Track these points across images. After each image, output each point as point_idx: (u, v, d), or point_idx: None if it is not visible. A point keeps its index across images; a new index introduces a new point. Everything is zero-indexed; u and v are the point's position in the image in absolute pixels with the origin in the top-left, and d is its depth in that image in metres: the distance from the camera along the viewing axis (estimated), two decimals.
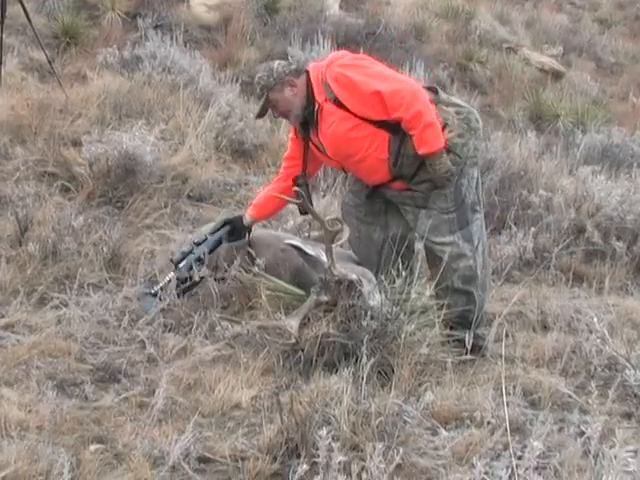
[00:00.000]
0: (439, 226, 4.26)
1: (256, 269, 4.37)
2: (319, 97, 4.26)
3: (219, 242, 4.57)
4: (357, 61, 4.32)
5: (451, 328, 4.21)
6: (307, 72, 4.35)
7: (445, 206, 4.25)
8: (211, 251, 4.53)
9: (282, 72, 4.35)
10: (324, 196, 5.92)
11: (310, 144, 4.45)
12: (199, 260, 4.49)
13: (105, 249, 4.86)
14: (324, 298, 4.04)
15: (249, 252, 4.55)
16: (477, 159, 4.35)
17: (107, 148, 5.74)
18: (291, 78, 4.34)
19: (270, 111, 4.47)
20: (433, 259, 4.31)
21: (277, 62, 4.46)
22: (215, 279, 4.45)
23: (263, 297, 4.24)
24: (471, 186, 4.28)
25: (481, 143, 4.47)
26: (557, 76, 11.03)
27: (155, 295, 4.40)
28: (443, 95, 4.31)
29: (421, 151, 4.13)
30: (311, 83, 4.30)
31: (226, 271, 4.49)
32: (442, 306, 4.14)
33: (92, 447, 3.24)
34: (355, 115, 4.20)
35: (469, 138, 4.24)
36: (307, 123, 4.38)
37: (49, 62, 7.21)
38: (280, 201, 4.57)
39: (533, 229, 5.73)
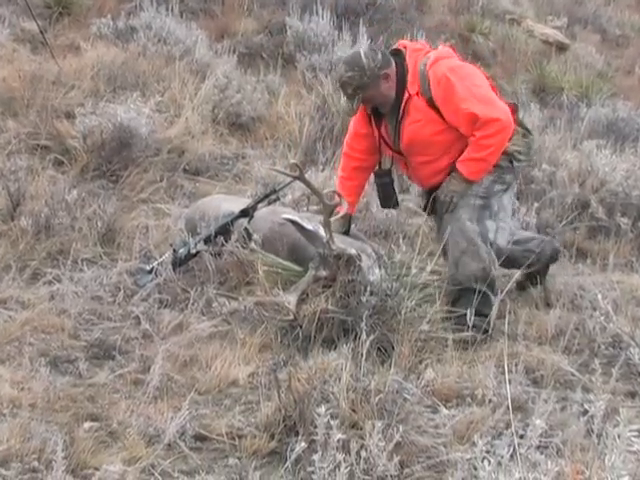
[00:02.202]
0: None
1: (253, 244, 4.36)
2: (412, 88, 4.23)
3: (227, 225, 4.55)
4: (465, 70, 4.29)
5: (453, 304, 4.21)
6: (396, 54, 4.32)
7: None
8: (218, 234, 4.51)
9: (374, 68, 4.22)
10: (323, 170, 5.88)
11: (382, 128, 4.41)
12: (207, 241, 4.48)
13: (99, 224, 4.85)
14: (322, 273, 4.03)
15: (246, 227, 4.54)
16: (515, 184, 4.47)
17: (101, 120, 5.71)
18: (384, 71, 4.25)
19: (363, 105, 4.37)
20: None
21: (363, 55, 4.25)
22: (211, 254, 4.43)
23: (260, 273, 4.23)
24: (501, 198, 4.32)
25: (525, 172, 4.69)
26: (561, 48, 10.95)
27: (151, 272, 4.38)
28: (519, 115, 4.45)
29: (459, 167, 4.22)
30: (404, 69, 4.26)
31: (222, 246, 4.47)
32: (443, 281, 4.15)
33: (86, 425, 3.24)
34: (444, 120, 4.22)
35: (523, 161, 4.37)
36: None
37: (41, 33, 7.16)
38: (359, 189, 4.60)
39: (536, 204, 5.69)
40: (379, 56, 4.26)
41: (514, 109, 4.37)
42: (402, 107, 4.26)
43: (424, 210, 4.58)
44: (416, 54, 4.30)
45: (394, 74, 4.27)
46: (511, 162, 4.32)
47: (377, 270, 4.05)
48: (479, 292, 4.18)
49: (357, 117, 4.53)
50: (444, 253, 4.35)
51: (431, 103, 4.21)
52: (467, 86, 4.18)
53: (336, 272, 4.00)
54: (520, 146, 4.33)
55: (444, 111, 4.20)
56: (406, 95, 4.24)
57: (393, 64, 4.28)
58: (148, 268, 4.42)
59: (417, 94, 4.22)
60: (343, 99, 6.48)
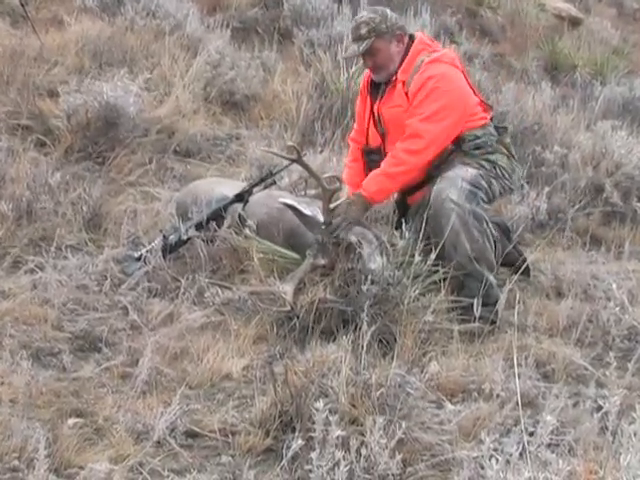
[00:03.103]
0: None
1: (247, 230, 4.36)
2: (402, 74, 4.43)
3: (222, 211, 4.55)
4: (448, 88, 4.37)
5: (458, 293, 4.21)
6: (412, 39, 4.50)
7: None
8: (211, 219, 4.51)
9: (395, 23, 4.48)
10: (321, 151, 5.87)
11: (374, 109, 4.56)
12: (199, 227, 4.48)
13: (84, 208, 4.84)
14: (321, 261, 4.04)
15: (240, 212, 4.53)
16: (492, 203, 4.59)
17: (86, 99, 5.68)
18: (401, 33, 4.48)
19: (362, 59, 4.57)
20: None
21: (388, 10, 4.51)
22: (204, 240, 4.43)
23: (255, 260, 4.23)
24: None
25: (503, 197, 4.83)
26: (575, 23, 10.93)
27: (139, 259, 4.38)
28: (508, 139, 4.61)
29: (366, 184, 4.33)
30: (406, 54, 4.46)
31: (215, 232, 4.47)
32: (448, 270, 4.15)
33: (70, 421, 3.24)
34: None
35: (505, 178, 4.48)
36: (379, 84, 4.52)
37: (22, 5, 7.12)
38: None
39: (547, 188, 5.70)
40: (401, 23, 4.54)
41: (504, 129, 4.64)
42: (388, 88, 4.47)
43: (394, 211, 4.71)
44: (422, 47, 4.49)
45: (404, 47, 4.47)
46: (495, 169, 4.45)
47: (378, 257, 4.05)
48: (483, 281, 4.20)
49: (359, 98, 4.74)
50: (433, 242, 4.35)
51: (408, 96, 4.40)
52: (434, 100, 4.33)
53: (335, 260, 4.01)
54: (504, 163, 4.49)
55: (409, 105, 4.39)
56: (394, 78, 4.44)
57: (407, 39, 4.49)
58: (136, 255, 4.41)
59: (402, 82, 4.41)
60: (343, 77, 6.57)
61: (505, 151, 4.55)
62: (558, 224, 5.51)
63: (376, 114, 4.56)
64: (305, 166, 4.24)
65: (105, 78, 6.12)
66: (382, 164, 4.37)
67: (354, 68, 6.64)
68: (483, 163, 4.43)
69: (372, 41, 4.42)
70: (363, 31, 4.43)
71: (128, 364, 3.65)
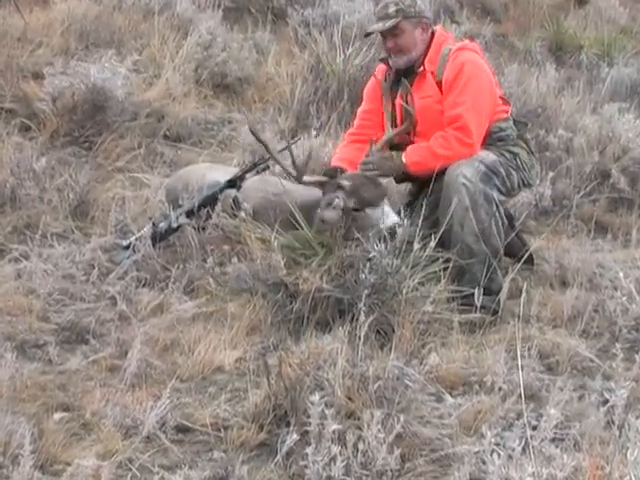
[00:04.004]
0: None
1: (242, 214, 4.36)
2: (429, 65, 4.53)
3: (214, 197, 4.54)
4: (481, 71, 4.53)
5: (459, 281, 4.22)
6: (433, 32, 4.61)
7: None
8: (202, 206, 4.50)
9: (424, 9, 4.62)
10: (317, 136, 5.86)
11: (396, 102, 4.61)
12: (189, 214, 4.48)
13: (71, 195, 4.83)
14: (345, 182, 4.29)
15: (235, 198, 4.53)
16: (511, 195, 4.66)
17: (72, 81, 5.67)
18: (427, 22, 4.61)
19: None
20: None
21: None
22: (195, 228, 4.43)
23: (250, 242, 4.22)
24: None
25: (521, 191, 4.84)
26: (581, 1, 10.88)
27: (128, 248, 4.37)
28: (528, 135, 4.74)
29: (409, 150, 4.44)
30: (431, 44, 4.56)
31: (207, 219, 4.47)
32: (448, 259, 4.15)
33: (56, 416, 3.24)
34: None
35: (524, 170, 4.56)
36: (399, 78, 4.57)
37: None
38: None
39: (551, 174, 5.70)
40: (428, 12, 4.69)
41: (524, 125, 4.74)
42: (415, 79, 4.55)
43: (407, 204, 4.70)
44: (444, 38, 4.63)
45: (428, 37, 4.58)
46: (515, 160, 4.52)
47: (394, 215, 4.18)
48: (486, 266, 4.22)
49: (369, 89, 4.81)
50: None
51: (440, 85, 4.49)
52: (473, 88, 4.45)
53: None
54: (524, 157, 4.57)
55: (444, 93, 4.48)
56: (421, 69, 4.53)
57: (431, 31, 4.61)
58: (125, 244, 4.41)
59: (432, 73, 4.51)
60: (339, 58, 6.56)
61: (525, 146, 4.62)
62: (563, 211, 5.51)
63: (402, 107, 4.56)
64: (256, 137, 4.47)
65: (92, 59, 6.11)
66: (431, 141, 4.42)
67: (350, 49, 6.62)
68: (504, 152, 4.50)
69: (398, 21, 4.49)
70: (391, 10, 4.52)
71: (116, 356, 3.65)
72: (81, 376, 3.51)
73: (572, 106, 6.87)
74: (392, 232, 4.07)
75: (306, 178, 4.35)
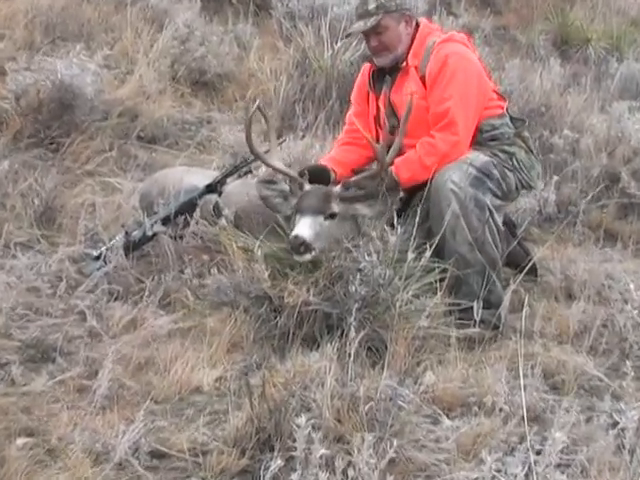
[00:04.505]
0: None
1: (223, 221, 4.36)
2: (412, 59, 4.55)
3: (192, 203, 4.54)
4: (468, 63, 4.53)
5: (456, 293, 4.22)
6: (417, 24, 4.63)
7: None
8: (179, 213, 4.51)
9: (405, 2, 4.59)
10: (303, 137, 5.88)
11: (380, 102, 4.64)
12: (165, 221, 4.48)
13: (36, 201, 4.83)
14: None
15: (216, 204, 4.54)
16: (509, 198, 4.62)
17: (38, 78, 5.68)
18: (410, 15, 4.62)
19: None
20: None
21: None
22: (171, 237, 4.43)
23: (232, 252, 4.22)
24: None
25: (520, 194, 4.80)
26: None
27: (98, 258, 4.37)
28: (526, 133, 4.73)
29: (399, 164, 4.38)
30: (414, 38, 4.59)
31: (184, 227, 4.47)
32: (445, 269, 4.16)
33: (20, 441, 3.23)
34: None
35: (522, 171, 4.56)
36: (384, 75, 4.62)
37: None
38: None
39: (556, 178, 5.72)
40: (409, 4, 4.66)
41: (522, 122, 4.75)
42: (399, 75, 4.58)
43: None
44: (429, 30, 4.65)
45: (412, 31, 4.60)
46: (511, 160, 4.52)
47: (302, 228, 4.14)
48: (484, 278, 4.23)
49: (355, 91, 4.85)
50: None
51: (423, 80, 4.50)
52: (459, 81, 4.45)
53: None
54: (522, 157, 4.57)
55: (428, 88, 4.48)
56: (404, 64, 4.56)
57: (414, 24, 4.63)
58: (95, 254, 4.42)
59: (415, 67, 4.52)
60: (327, 53, 6.57)
61: (523, 145, 4.62)
62: (568, 217, 5.53)
63: (386, 106, 4.61)
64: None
65: (59, 54, 6.12)
66: (417, 149, 4.42)
67: (339, 43, 6.64)
68: (497, 153, 4.51)
69: (380, 18, 4.51)
70: (371, 7, 4.52)
71: (86, 376, 3.65)
72: (47, 398, 3.50)
73: (578, 104, 6.90)
74: (291, 244, 4.05)
75: (274, 161, 4.38)
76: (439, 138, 4.40)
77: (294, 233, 4.07)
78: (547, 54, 8.62)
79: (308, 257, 4.04)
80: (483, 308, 4.02)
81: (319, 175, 4.44)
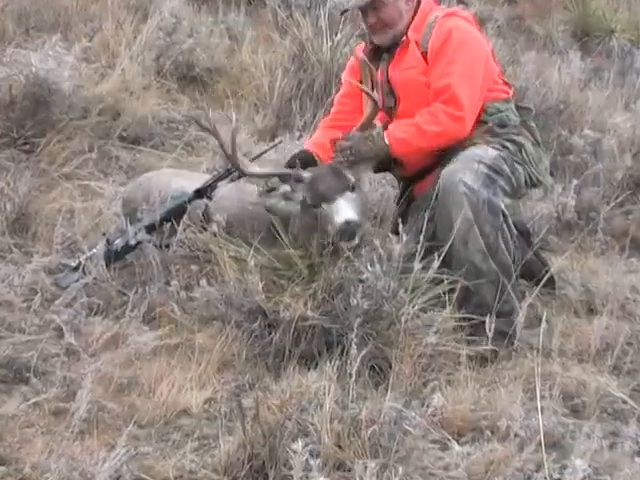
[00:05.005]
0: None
1: (214, 227, 4.36)
2: (413, 34, 4.60)
3: (180, 209, 4.55)
4: (471, 39, 4.59)
5: (467, 306, 4.23)
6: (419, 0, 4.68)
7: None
8: (166, 220, 4.51)
9: None
10: (300, 137, 5.89)
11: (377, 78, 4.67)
12: (150, 229, 4.49)
13: (8, 206, 4.83)
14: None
15: (205, 208, 4.54)
16: (518, 195, 4.69)
17: (10, 72, 5.69)
18: None
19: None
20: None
21: None
22: (156, 246, 4.43)
23: (223, 263, 4.22)
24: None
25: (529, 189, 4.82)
26: None
27: (77, 269, 4.37)
28: (532, 122, 4.76)
29: (392, 126, 4.49)
30: (416, 13, 4.64)
31: (171, 235, 4.47)
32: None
33: None
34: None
35: (530, 165, 4.59)
36: (381, 52, 4.67)
37: None
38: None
39: (576, 181, 5.73)
40: None
41: (528, 111, 4.78)
42: (397, 50, 4.63)
43: (397, 203, 4.81)
44: (430, 6, 4.71)
45: (412, 7, 4.66)
46: (520, 153, 4.55)
47: (348, 211, 4.18)
48: (498, 288, 4.24)
49: (347, 70, 4.90)
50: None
51: (425, 55, 4.55)
52: (463, 55, 4.51)
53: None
54: (530, 149, 4.60)
55: (430, 63, 4.53)
56: (404, 39, 4.60)
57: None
58: (73, 264, 4.41)
59: (416, 42, 4.57)
60: (326, 46, 6.58)
61: (530, 136, 4.65)
62: (589, 225, 5.53)
63: (383, 82, 4.67)
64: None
65: (33, 46, 6.13)
66: (416, 118, 4.46)
67: (339, 35, 6.65)
68: (507, 144, 4.52)
69: None
70: None
71: (62, 398, 3.64)
72: (20, 422, 3.49)
73: (600, 101, 6.91)
74: (343, 233, 4.09)
75: (255, 169, 4.41)
76: (441, 109, 4.43)
77: (343, 220, 4.13)
78: (566, 46, 8.62)
79: (357, 240, 4.11)
80: (496, 316, 4.03)
81: (305, 163, 4.49)
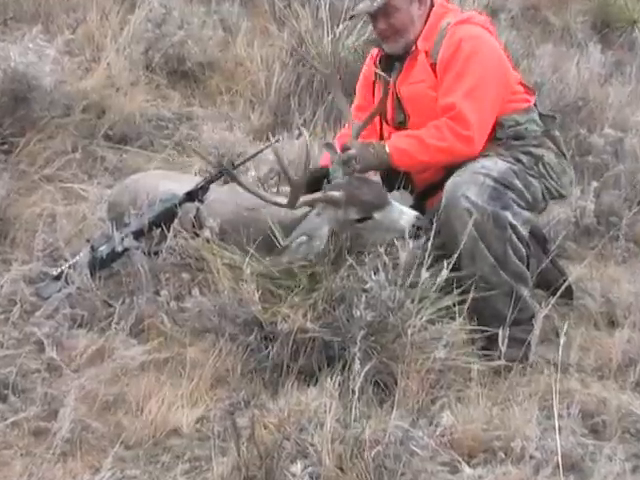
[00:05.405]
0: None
1: (207, 233, 4.36)
2: (423, 43, 4.60)
3: (169, 213, 4.55)
4: (484, 51, 4.55)
5: (479, 318, 4.24)
6: (432, 4, 4.69)
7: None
8: (155, 225, 4.51)
9: None
10: (299, 136, 5.88)
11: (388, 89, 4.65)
12: (138, 235, 4.49)
13: None
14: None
15: (197, 212, 4.55)
16: (536, 209, 4.63)
17: None
18: None
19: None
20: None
21: None
22: (145, 253, 4.43)
23: (216, 271, 4.23)
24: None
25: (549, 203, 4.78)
26: None
27: (59, 278, 4.38)
28: (557, 132, 4.77)
29: (393, 137, 4.54)
30: (427, 19, 4.64)
31: (161, 242, 4.48)
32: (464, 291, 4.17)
33: None
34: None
35: (551, 178, 4.60)
36: (393, 62, 4.67)
37: None
38: None
39: (595, 183, 5.73)
40: None
41: (552, 119, 4.76)
42: (406, 61, 4.64)
43: None
44: (444, 10, 4.70)
45: (425, 13, 4.66)
46: (537, 166, 4.55)
47: (408, 210, 4.25)
48: (512, 297, 4.25)
49: (360, 80, 4.95)
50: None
51: (434, 67, 4.55)
52: (473, 69, 4.49)
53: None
54: (552, 161, 4.60)
55: (439, 76, 4.53)
56: (413, 48, 4.61)
57: (429, 5, 4.68)
58: (55, 273, 4.41)
59: (426, 53, 4.58)
60: (327, 39, 6.59)
61: (553, 147, 4.64)
62: (610, 230, 5.54)
63: (393, 97, 4.66)
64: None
65: (12, 39, 6.13)
66: (422, 129, 4.47)
67: (341, 27, 6.66)
68: (521, 157, 4.52)
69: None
70: None
71: (43, 417, 3.63)
72: None
73: (622, 98, 6.91)
74: (418, 230, 4.14)
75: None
76: (446, 125, 4.42)
77: (412, 219, 4.23)
78: (585, 39, 8.63)
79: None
80: (513, 325, 4.05)
81: (320, 180, 4.47)
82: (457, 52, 4.47)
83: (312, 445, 3.28)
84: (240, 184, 4.29)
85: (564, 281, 4.64)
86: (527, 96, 4.69)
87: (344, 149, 4.47)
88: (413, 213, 4.26)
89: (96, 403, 3.73)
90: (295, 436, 3.31)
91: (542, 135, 4.63)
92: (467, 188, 4.31)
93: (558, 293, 4.43)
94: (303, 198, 4.31)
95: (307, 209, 4.35)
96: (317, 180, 4.45)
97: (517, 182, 4.43)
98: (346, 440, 3.30)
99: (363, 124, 4.56)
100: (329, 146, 4.61)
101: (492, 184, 4.35)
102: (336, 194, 4.30)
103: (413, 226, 4.17)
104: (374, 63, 4.78)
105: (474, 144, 4.42)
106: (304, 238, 4.25)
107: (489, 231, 4.30)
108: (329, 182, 4.45)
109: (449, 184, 4.36)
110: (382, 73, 4.54)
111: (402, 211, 4.27)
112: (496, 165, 4.41)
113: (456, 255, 4.16)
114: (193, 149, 4.32)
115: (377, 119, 4.73)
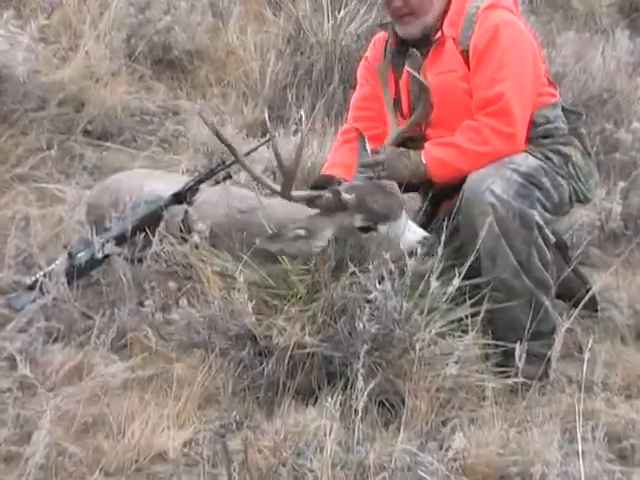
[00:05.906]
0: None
1: (196, 238, 4.37)
2: (449, 29, 4.58)
3: (155, 216, 4.56)
4: (520, 35, 4.59)
5: (494, 332, 4.25)
6: None
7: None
8: (138, 229, 4.52)
9: None
10: (296, 132, 5.90)
11: (400, 84, 4.68)
12: (120, 240, 4.49)
13: None
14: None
15: (185, 215, 4.56)
16: (560, 213, 4.65)
17: None
18: None
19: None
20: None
21: None
22: (127, 259, 4.44)
23: (206, 279, 4.23)
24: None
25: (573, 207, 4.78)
26: None
27: (33, 287, 4.38)
28: (584, 130, 4.79)
29: (429, 146, 4.48)
30: (450, 4, 4.62)
31: (145, 248, 4.48)
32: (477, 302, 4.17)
33: None
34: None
35: (579, 179, 4.62)
36: (406, 48, 4.62)
37: None
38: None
39: (622, 183, 5.74)
40: None
41: (578, 116, 4.78)
42: (430, 49, 4.59)
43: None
44: None
45: None
46: (567, 166, 4.56)
47: (418, 229, 4.25)
48: (533, 307, 4.25)
49: (362, 68, 4.93)
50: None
51: (466, 55, 4.53)
52: (514, 59, 4.49)
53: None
54: (579, 161, 4.61)
55: (474, 66, 4.51)
56: (439, 35, 4.58)
57: None
58: (29, 282, 4.41)
59: (453, 40, 4.56)
60: (327, 24, 6.60)
61: (580, 145, 4.65)
62: (638, 235, 5.54)
63: (412, 89, 4.65)
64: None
65: None
66: (456, 135, 4.46)
67: (343, 12, 6.66)
68: (551, 156, 4.53)
69: None
70: None
71: (15, 441, 3.64)
72: None
73: None
74: (424, 250, 4.10)
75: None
76: (486, 125, 4.42)
77: (421, 238, 4.21)
78: (611, 24, 8.64)
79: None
80: (532, 340, 4.06)
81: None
82: (495, 39, 4.47)
83: (311, 471, 3.29)
84: (249, 172, 4.32)
85: (587, 291, 4.64)
86: (552, 90, 4.70)
87: (374, 152, 4.46)
88: (422, 234, 4.24)
89: (73, 425, 3.73)
90: (292, 461, 3.32)
91: (569, 133, 4.63)
92: (492, 181, 4.31)
93: (581, 304, 4.41)
94: (306, 192, 4.36)
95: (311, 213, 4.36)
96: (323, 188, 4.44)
97: (545, 180, 4.45)
98: (348, 465, 3.31)
99: (406, 128, 4.52)
100: (362, 140, 4.55)
101: (520, 180, 4.36)
102: (346, 195, 4.28)
103: (425, 240, 4.16)
104: (381, 50, 4.76)
105: (517, 141, 4.44)
106: (303, 232, 4.26)
107: (514, 230, 4.31)
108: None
109: (472, 177, 4.36)
110: (415, 74, 4.43)
111: (410, 229, 4.26)
112: (526, 160, 4.42)
113: (473, 256, 4.17)
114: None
115: (385, 111, 4.67)
